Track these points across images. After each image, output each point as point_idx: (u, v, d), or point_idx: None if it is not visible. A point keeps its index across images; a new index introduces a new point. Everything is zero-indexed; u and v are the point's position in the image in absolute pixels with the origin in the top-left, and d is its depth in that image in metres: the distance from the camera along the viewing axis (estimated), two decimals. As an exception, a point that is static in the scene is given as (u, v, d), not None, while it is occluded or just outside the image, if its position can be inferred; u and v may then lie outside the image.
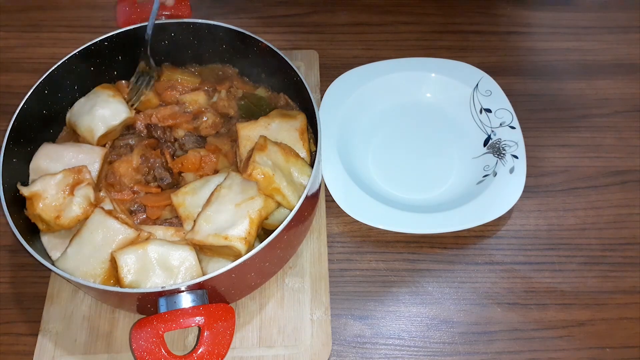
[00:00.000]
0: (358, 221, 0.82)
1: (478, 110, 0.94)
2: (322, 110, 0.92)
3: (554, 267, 0.83)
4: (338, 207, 0.83)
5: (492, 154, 0.90)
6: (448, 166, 0.91)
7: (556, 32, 1.08)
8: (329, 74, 0.99)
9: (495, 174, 0.86)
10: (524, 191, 0.84)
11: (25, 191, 0.73)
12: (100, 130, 0.79)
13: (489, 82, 0.95)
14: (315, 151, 0.77)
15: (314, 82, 0.99)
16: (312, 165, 0.75)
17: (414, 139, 0.94)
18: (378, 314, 0.80)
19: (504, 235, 0.86)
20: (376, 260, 0.84)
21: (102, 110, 0.80)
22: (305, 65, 1.01)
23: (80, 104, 0.83)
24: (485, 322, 0.79)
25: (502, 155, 0.88)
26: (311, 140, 0.80)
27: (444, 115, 0.96)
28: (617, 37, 1.07)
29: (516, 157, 0.87)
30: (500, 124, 0.91)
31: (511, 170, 0.86)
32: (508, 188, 0.85)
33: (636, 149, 0.94)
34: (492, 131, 0.92)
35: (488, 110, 0.93)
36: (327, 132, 0.89)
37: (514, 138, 0.89)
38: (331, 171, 0.86)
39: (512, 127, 0.91)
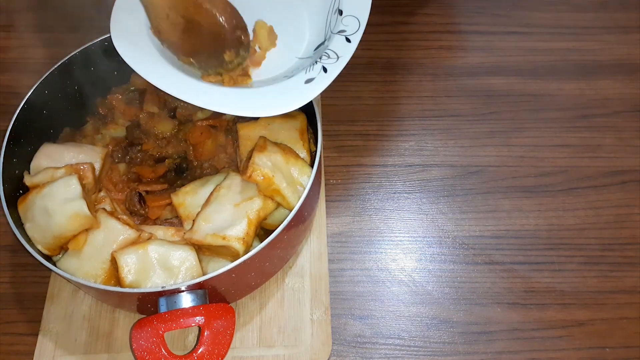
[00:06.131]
0: (358, 221, 0.82)
1: (334, 10, 0.75)
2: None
3: (554, 267, 0.83)
4: (338, 207, 0.83)
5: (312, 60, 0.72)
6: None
7: (556, 32, 1.08)
8: (329, 74, 0.99)
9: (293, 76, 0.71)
10: (524, 191, 0.84)
11: (28, 180, 0.73)
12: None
13: None
14: (315, 151, 0.77)
15: (314, 82, 0.98)
16: (312, 165, 0.75)
17: None
18: (378, 314, 0.80)
19: (503, 235, 0.86)
20: (376, 259, 0.84)
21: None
22: (305, 65, 1.01)
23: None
24: (485, 322, 0.79)
25: (315, 62, 0.70)
26: (311, 140, 0.80)
27: None
28: (617, 37, 1.07)
29: (325, 70, 0.69)
30: (340, 31, 0.72)
31: (308, 81, 0.69)
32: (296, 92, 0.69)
33: (636, 149, 0.94)
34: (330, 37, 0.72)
35: (340, 12, 0.74)
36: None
37: (341, 52, 0.70)
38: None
39: (349, 41, 0.71)
